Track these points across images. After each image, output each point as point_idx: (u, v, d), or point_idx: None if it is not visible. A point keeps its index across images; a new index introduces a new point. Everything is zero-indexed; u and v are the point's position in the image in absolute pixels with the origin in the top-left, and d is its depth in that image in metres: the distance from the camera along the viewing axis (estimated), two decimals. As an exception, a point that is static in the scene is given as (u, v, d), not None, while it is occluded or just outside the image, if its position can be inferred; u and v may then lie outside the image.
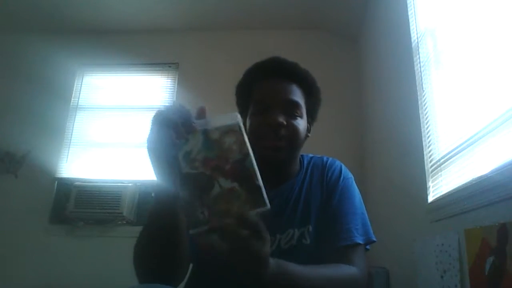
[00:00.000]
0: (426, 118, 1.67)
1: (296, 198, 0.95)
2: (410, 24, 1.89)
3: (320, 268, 0.79)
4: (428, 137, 1.64)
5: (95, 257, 2.67)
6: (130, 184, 2.88)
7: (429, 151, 1.62)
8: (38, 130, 3.09)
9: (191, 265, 0.91)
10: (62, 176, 3.01)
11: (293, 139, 0.91)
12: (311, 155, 1.06)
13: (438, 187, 1.51)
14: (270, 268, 0.63)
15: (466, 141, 1.29)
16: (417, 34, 1.85)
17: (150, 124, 0.60)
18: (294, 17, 3.19)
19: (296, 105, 0.93)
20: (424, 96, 1.70)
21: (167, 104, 0.57)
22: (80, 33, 3.38)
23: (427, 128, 1.66)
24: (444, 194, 1.41)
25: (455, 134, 1.40)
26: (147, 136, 0.60)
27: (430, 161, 1.60)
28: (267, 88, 0.94)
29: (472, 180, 1.17)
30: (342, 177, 0.98)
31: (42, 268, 2.67)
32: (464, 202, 1.21)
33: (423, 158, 1.64)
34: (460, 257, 1.21)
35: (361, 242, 0.88)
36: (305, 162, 1.03)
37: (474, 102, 1.28)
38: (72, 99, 3.26)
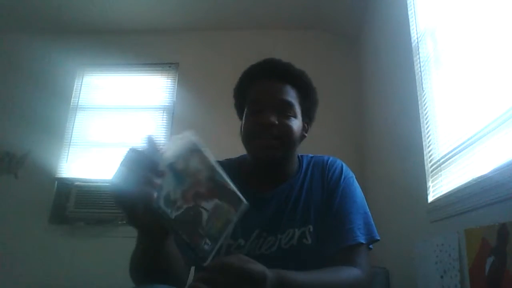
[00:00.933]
0: (426, 118, 1.67)
1: (296, 198, 0.95)
2: (410, 24, 1.89)
3: (322, 273, 0.79)
4: (428, 137, 1.64)
5: (95, 257, 2.67)
6: (130, 184, 2.88)
7: (429, 151, 1.62)
8: (38, 130, 3.09)
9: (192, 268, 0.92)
10: (62, 176, 3.01)
11: (286, 138, 0.92)
12: (311, 155, 1.06)
13: (438, 187, 1.51)
14: (269, 283, 0.63)
15: (466, 141, 1.29)
16: (417, 34, 1.85)
17: (120, 165, 0.59)
18: (294, 17, 3.19)
19: (289, 105, 0.94)
20: (424, 96, 1.70)
21: (135, 148, 0.58)
22: (80, 33, 3.38)
23: (427, 128, 1.66)
24: (444, 194, 1.41)
25: (455, 134, 1.40)
26: (115, 176, 0.59)
27: (430, 161, 1.60)
28: (261, 89, 0.96)
29: (472, 180, 1.17)
30: (343, 176, 0.98)
31: (42, 268, 2.67)
32: (464, 202, 1.21)
33: (423, 158, 1.64)
34: (460, 257, 1.21)
35: (363, 241, 0.88)
36: (305, 162, 1.03)
37: (474, 102, 1.28)
38: (72, 99, 3.26)
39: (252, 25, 3.28)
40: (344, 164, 1.02)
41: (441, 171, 1.50)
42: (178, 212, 0.60)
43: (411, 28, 1.88)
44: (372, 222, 0.94)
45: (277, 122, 0.90)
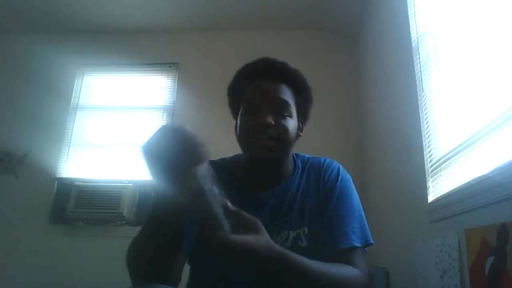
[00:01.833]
0: (426, 118, 1.67)
1: (292, 199, 0.95)
2: (410, 24, 1.89)
3: (324, 264, 0.79)
4: (428, 137, 1.64)
5: (95, 257, 2.67)
6: (130, 184, 2.88)
7: (429, 151, 1.62)
8: (38, 130, 3.09)
9: (189, 272, 0.92)
10: (62, 176, 3.01)
11: (282, 139, 0.91)
12: (308, 155, 1.06)
13: (438, 187, 1.51)
14: (272, 253, 0.68)
15: (466, 141, 1.29)
16: (417, 34, 1.85)
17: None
18: (294, 17, 3.19)
19: (285, 104, 0.93)
20: (424, 96, 1.70)
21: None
22: (80, 33, 3.38)
23: (427, 128, 1.66)
24: (444, 194, 1.41)
25: (455, 134, 1.40)
26: (150, 140, 0.62)
27: (430, 161, 1.60)
28: (256, 88, 0.95)
29: (472, 180, 1.17)
30: (340, 179, 0.97)
31: (42, 268, 2.67)
32: (464, 202, 1.21)
33: (423, 158, 1.64)
34: (460, 257, 1.21)
35: (359, 245, 0.88)
36: (300, 162, 1.02)
37: (474, 102, 1.28)
38: (72, 99, 3.25)
39: (252, 25, 3.28)
40: (341, 166, 1.02)
41: (441, 171, 1.50)
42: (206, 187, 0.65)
43: (411, 28, 1.88)
44: (367, 226, 0.93)
45: (273, 123, 0.90)
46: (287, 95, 0.94)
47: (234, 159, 1.04)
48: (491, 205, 1.05)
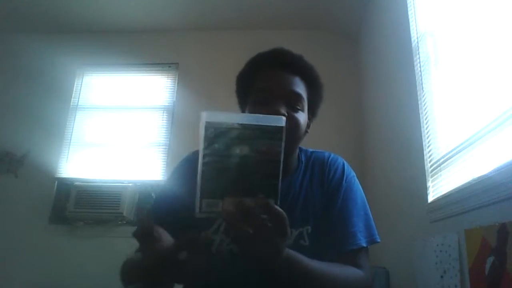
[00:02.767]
0: (426, 118, 1.67)
1: (295, 196, 0.92)
2: (410, 24, 1.89)
3: (329, 265, 0.79)
4: (428, 137, 1.64)
5: (95, 257, 2.67)
6: (130, 184, 2.88)
7: (429, 151, 1.62)
8: (38, 130, 3.09)
9: None
10: (62, 176, 3.01)
11: (293, 132, 0.88)
12: (311, 149, 1.03)
13: (438, 187, 1.51)
14: (284, 257, 0.65)
15: (466, 141, 1.29)
16: (417, 34, 1.85)
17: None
18: (294, 17, 3.19)
19: (298, 97, 0.90)
20: (424, 96, 1.70)
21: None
22: (80, 33, 3.38)
23: (427, 128, 1.66)
24: (444, 194, 1.41)
25: (455, 134, 1.40)
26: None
27: (430, 161, 1.60)
28: (271, 78, 0.91)
29: (472, 180, 1.17)
30: (345, 176, 0.95)
31: (42, 268, 2.67)
32: (464, 202, 1.21)
33: (423, 158, 1.64)
34: (460, 257, 1.21)
35: (365, 245, 0.87)
36: (303, 157, 1.00)
37: (474, 102, 1.28)
38: (72, 99, 3.25)
39: (252, 25, 3.28)
40: (345, 163, 1.00)
41: (441, 171, 1.50)
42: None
43: (411, 28, 1.88)
44: (373, 224, 0.92)
45: (286, 114, 0.86)
46: (301, 88, 0.92)
47: None
48: (491, 205, 1.05)
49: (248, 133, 0.58)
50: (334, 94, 3.00)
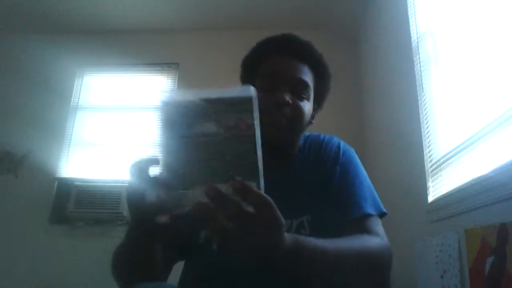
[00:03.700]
0: (426, 118, 1.67)
1: (294, 185, 0.86)
2: (410, 24, 1.89)
3: (342, 241, 0.69)
4: (428, 137, 1.64)
5: (95, 257, 2.67)
6: (130, 184, 2.88)
7: (429, 151, 1.62)
8: (38, 130, 3.09)
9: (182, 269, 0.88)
10: (62, 176, 3.01)
11: (296, 120, 0.85)
12: (307, 133, 0.98)
13: (438, 187, 1.52)
14: (285, 248, 0.53)
15: (466, 141, 1.29)
16: (417, 34, 1.85)
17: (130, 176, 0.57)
18: (294, 17, 3.18)
19: (305, 85, 0.87)
20: (424, 96, 1.70)
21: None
22: (80, 33, 3.37)
23: (427, 128, 1.66)
24: (444, 194, 1.41)
25: (455, 134, 1.40)
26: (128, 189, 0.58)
27: (430, 161, 1.60)
28: (278, 63, 0.88)
29: (472, 180, 1.17)
30: (341, 152, 0.90)
31: (42, 268, 2.67)
32: (464, 202, 1.21)
33: (423, 158, 1.64)
34: (460, 257, 1.21)
35: (373, 212, 0.80)
36: (302, 143, 0.95)
37: (474, 102, 1.28)
38: (72, 99, 3.25)
39: (252, 25, 3.27)
40: (341, 141, 0.95)
41: (441, 171, 1.50)
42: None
43: (411, 28, 1.88)
44: (377, 196, 0.86)
45: (291, 102, 0.83)
46: (308, 77, 0.88)
47: None
48: (491, 205, 1.05)
49: (212, 108, 0.49)
50: (334, 94, 2.99)
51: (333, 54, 3.44)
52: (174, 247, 0.80)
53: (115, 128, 3.15)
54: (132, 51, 3.31)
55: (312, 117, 0.94)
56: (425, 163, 1.62)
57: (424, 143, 1.66)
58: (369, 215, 0.80)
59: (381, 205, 0.85)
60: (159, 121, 0.49)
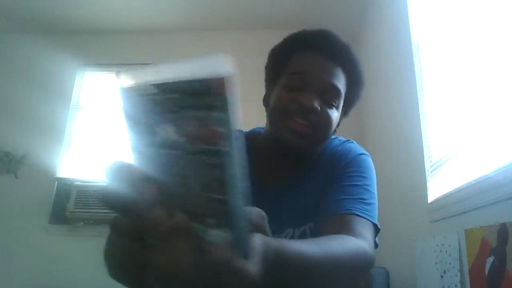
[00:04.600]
0: (426, 118, 1.67)
1: (301, 193, 0.81)
2: (410, 25, 1.89)
3: (326, 243, 0.58)
4: (428, 137, 1.64)
5: (95, 257, 2.67)
6: (130, 184, 2.88)
7: (429, 151, 1.62)
8: (38, 130, 3.09)
9: None
10: (62, 176, 3.01)
11: (323, 130, 0.77)
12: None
13: (438, 187, 1.52)
14: (266, 265, 0.39)
15: (466, 141, 1.29)
16: (417, 34, 1.85)
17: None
18: (294, 17, 3.18)
19: (336, 92, 0.78)
20: (424, 96, 1.70)
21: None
22: (80, 33, 3.37)
23: (427, 128, 1.66)
24: (444, 194, 1.41)
25: (455, 134, 1.40)
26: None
27: (430, 161, 1.60)
28: (309, 62, 0.79)
29: (472, 180, 1.17)
30: (352, 165, 0.82)
31: (42, 268, 2.67)
32: (464, 202, 1.21)
33: (423, 158, 1.64)
34: (460, 257, 1.21)
35: (363, 215, 0.70)
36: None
37: (474, 102, 1.28)
38: (72, 99, 3.26)
39: (251, 25, 3.28)
40: (359, 153, 0.87)
41: (441, 171, 1.50)
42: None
43: (411, 28, 1.88)
44: (376, 209, 0.77)
45: (319, 108, 0.75)
46: (341, 82, 0.79)
47: (249, 135, 0.87)
48: (491, 205, 1.05)
49: (170, 100, 0.32)
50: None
51: (333, 54, 3.44)
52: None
53: (115, 128, 3.15)
54: (132, 51, 3.31)
55: (337, 125, 0.86)
56: (425, 163, 1.62)
57: (424, 143, 1.66)
58: (358, 216, 0.70)
59: (376, 219, 0.75)
60: (122, 116, 0.35)
